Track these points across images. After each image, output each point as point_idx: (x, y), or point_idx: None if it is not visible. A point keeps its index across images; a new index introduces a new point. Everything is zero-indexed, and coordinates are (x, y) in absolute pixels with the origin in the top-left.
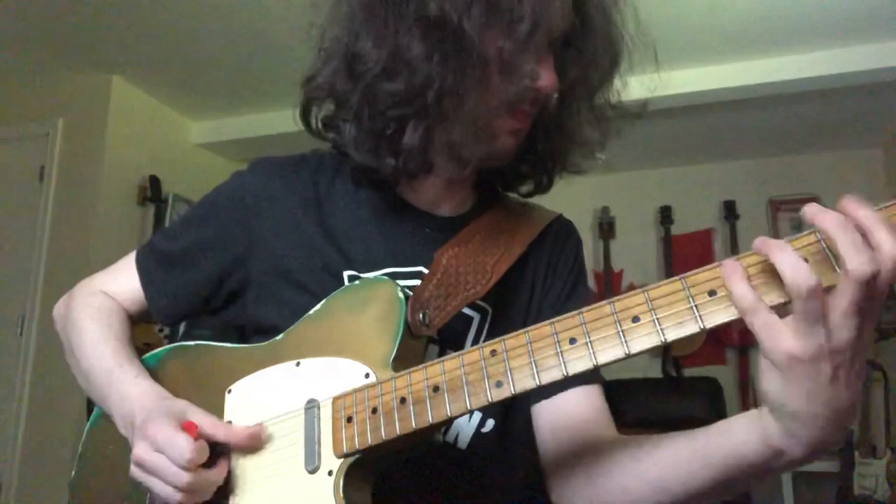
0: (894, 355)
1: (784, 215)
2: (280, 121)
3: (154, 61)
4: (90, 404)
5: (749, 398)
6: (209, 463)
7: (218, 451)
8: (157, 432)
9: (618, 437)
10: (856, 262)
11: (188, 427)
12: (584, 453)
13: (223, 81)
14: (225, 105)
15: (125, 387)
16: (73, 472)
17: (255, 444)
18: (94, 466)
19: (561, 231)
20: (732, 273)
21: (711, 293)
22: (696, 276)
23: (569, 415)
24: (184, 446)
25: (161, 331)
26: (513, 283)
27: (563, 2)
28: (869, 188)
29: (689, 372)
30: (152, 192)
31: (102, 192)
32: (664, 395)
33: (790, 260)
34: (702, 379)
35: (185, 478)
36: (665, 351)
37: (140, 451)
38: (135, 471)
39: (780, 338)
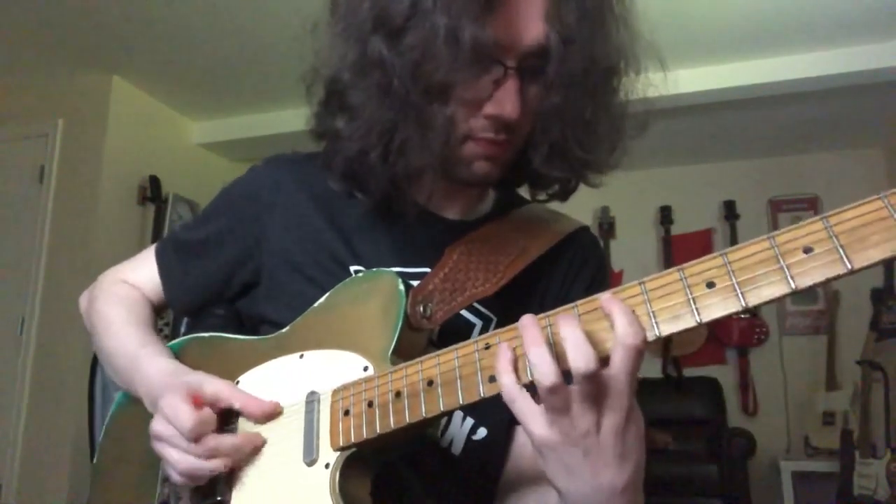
0: (894, 355)
1: (784, 215)
2: (280, 121)
3: (154, 61)
4: (91, 404)
5: (749, 398)
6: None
7: (230, 429)
8: (166, 404)
9: None
10: (572, 360)
11: (195, 399)
12: (521, 481)
13: (223, 81)
14: (225, 105)
15: (147, 367)
16: (96, 458)
17: (267, 417)
18: (115, 452)
19: (583, 245)
20: (501, 358)
21: (710, 285)
22: (693, 266)
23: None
24: (186, 416)
25: (161, 331)
26: (523, 293)
27: (501, 27)
28: (869, 188)
29: (689, 372)
30: (152, 192)
31: (102, 192)
32: (664, 395)
33: (537, 358)
34: (702, 379)
35: (189, 446)
36: (665, 351)
37: (153, 423)
38: (152, 442)
39: (533, 424)
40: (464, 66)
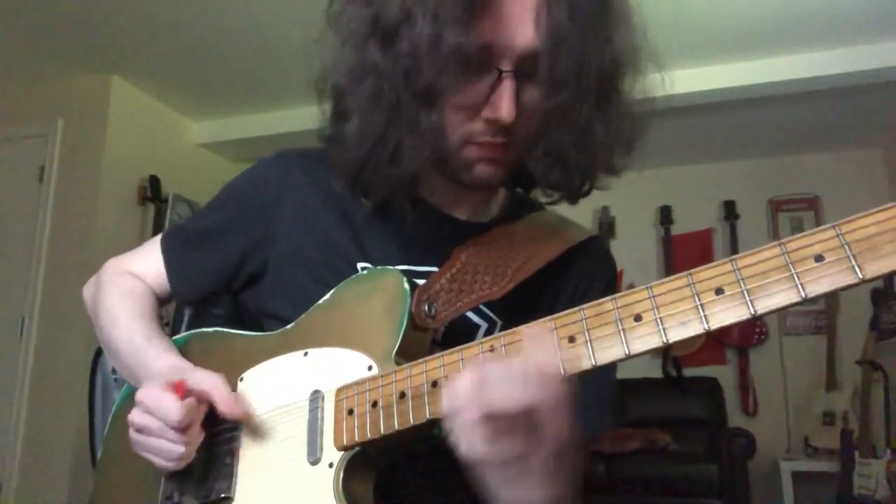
0: (894, 355)
1: (784, 215)
2: (280, 120)
3: (154, 61)
4: (91, 405)
5: (749, 398)
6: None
7: (228, 434)
8: (146, 395)
9: None
10: (505, 399)
11: (176, 387)
12: None
13: (223, 81)
14: (225, 105)
15: (152, 362)
16: (100, 453)
17: (245, 419)
18: (119, 447)
19: (595, 257)
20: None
21: (718, 291)
22: (701, 272)
23: None
24: (170, 407)
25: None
26: (530, 299)
27: (478, 32)
28: (869, 188)
29: (689, 372)
30: (152, 192)
31: (102, 192)
32: (664, 395)
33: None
34: (702, 379)
35: (177, 436)
36: (665, 351)
37: (133, 414)
38: (132, 434)
39: (469, 443)
40: (450, 73)
